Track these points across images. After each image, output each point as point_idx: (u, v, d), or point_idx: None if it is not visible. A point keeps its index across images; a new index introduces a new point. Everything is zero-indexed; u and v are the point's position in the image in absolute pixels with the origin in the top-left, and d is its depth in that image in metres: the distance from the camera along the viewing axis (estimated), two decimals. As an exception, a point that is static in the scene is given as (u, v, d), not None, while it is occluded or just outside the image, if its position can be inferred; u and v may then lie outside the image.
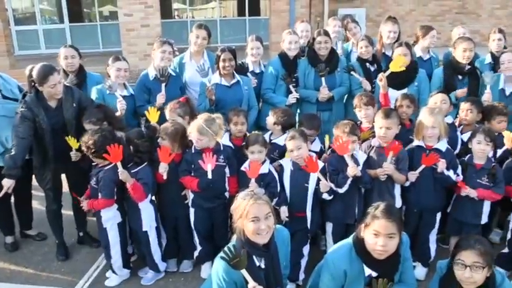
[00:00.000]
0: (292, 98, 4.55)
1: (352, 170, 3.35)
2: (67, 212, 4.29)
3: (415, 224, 3.70)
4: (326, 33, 4.65)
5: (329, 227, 3.64)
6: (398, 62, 4.27)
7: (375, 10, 13.29)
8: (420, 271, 3.73)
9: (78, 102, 3.86)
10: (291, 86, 4.57)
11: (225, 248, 2.44)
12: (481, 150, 3.48)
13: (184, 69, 4.79)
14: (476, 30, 12.94)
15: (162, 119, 3.99)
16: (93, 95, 4.26)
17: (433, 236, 3.74)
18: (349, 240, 2.65)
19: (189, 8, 15.94)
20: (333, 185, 3.41)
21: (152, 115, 3.97)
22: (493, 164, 3.56)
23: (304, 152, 3.43)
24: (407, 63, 4.31)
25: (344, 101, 4.93)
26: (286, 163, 3.57)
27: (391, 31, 4.91)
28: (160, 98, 4.24)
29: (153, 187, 3.59)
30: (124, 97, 4.21)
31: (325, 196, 3.42)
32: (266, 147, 3.58)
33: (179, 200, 3.72)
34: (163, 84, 4.32)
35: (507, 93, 4.44)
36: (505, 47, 4.88)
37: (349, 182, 3.39)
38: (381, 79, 4.27)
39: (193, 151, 3.61)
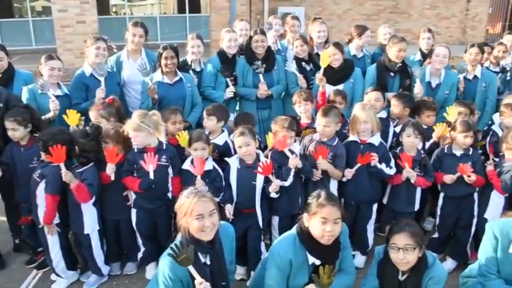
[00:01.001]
0: (229, 92, 4.59)
1: (294, 162, 3.45)
2: (0, 218, 4.08)
3: (353, 215, 3.87)
4: (262, 32, 4.74)
5: (275, 220, 3.72)
6: (325, 58, 4.45)
7: (313, 9, 13.64)
8: (359, 259, 3.92)
9: (5, 102, 3.68)
10: (228, 80, 4.60)
11: (172, 245, 2.44)
12: (410, 142, 3.70)
13: (121, 68, 4.68)
14: (408, 29, 13.66)
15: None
16: (24, 94, 4.06)
17: (370, 226, 3.93)
18: (292, 231, 2.74)
19: (128, 4, 15.57)
20: (280, 182, 3.47)
21: (72, 118, 3.80)
22: (422, 156, 3.79)
23: (252, 149, 3.47)
24: (330, 59, 4.48)
25: (281, 98, 5.04)
26: (233, 161, 3.59)
27: (320, 31, 5.08)
28: (100, 93, 4.13)
29: (97, 188, 3.49)
30: (57, 97, 4.05)
31: (273, 195, 3.48)
32: (209, 144, 3.61)
33: (121, 202, 3.64)
34: (102, 79, 4.20)
35: (433, 85, 4.74)
36: (432, 45, 5.20)
37: (292, 173, 3.47)
38: (321, 79, 4.39)
39: (135, 150, 3.55)
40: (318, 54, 5.03)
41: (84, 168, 3.44)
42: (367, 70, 4.89)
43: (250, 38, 4.73)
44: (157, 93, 4.22)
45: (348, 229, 3.69)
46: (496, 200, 3.76)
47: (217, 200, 3.21)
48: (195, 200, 2.45)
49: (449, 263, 3.93)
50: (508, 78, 5.38)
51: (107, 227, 3.72)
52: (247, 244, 3.62)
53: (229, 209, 3.48)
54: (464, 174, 3.63)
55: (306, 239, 2.63)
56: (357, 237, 3.92)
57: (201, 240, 2.48)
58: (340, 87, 4.57)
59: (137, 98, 4.51)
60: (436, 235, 4.07)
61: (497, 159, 3.86)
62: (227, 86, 4.66)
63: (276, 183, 3.41)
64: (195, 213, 2.43)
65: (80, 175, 3.39)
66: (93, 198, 3.47)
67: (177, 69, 4.39)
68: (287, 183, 3.50)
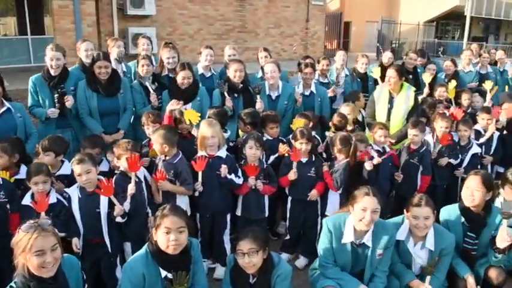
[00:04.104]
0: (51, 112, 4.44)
1: (131, 188, 3.43)
2: None
3: (210, 228, 4.02)
4: (106, 57, 4.61)
5: (127, 246, 3.63)
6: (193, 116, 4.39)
7: (165, 29, 13.70)
8: (220, 271, 4.02)
9: None
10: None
11: (12, 283, 2.30)
12: (252, 154, 3.97)
13: None
14: (256, 47, 14.39)
15: None
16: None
17: (226, 237, 4.08)
18: (144, 247, 2.78)
19: (-45, 26, 13.78)
20: (122, 207, 3.39)
21: None
22: (265, 166, 4.11)
23: (93, 176, 3.37)
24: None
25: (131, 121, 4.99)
26: (73, 191, 3.43)
27: (169, 57, 5.19)
28: None
29: None
30: None
31: (119, 219, 3.40)
32: (51, 177, 3.41)
33: None
34: None
35: (273, 97, 5.18)
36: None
37: (128, 200, 3.43)
38: (178, 103, 4.30)
39: None
40: (168, 76, 5.13)
41: None
42: (214, 92, 5.04)
43: (93, 61, 4.59)
44: None
45: (206, 242, 3.86)
46: (333, 198, 4.24)
47: (63, 235, 3.07)
48: (35, 235, 2.31)
49: (302, 260, 4.28)
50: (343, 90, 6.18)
51: None
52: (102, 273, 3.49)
53: (76, 243, 3.33)
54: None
55: (156, 253, 2.70)
56: (216, 249, 4.07)
57: (41, 277, 2.35)
58: (189, 106, 4.69)
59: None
60: (287, 237, 4.41)
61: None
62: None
63: (118, 207, 3.34)
64: (34, 248, 2.30)
65: None
66: None
67: (3, 99, 4.08)
68: (126, 209, 3.42)
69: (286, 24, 16.76)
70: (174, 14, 13.99)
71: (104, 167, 3.93)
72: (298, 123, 4.52)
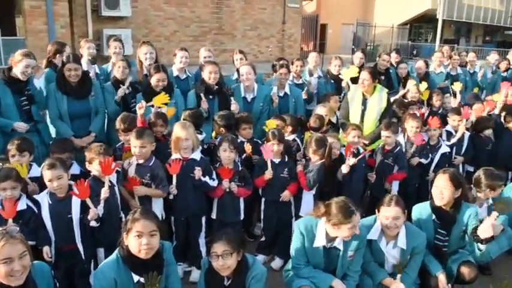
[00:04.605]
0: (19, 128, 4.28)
1: (104, 192, 3.37)
2: None
3: (185, 231, 4.00)
4: (75, 60, 4.50)
5: (100, 252, 3.56)
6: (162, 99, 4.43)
7: (141, 31, 13.55)
8: (195, 274, 4.00)
9: None
10: None
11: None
12: (226, 156, 3.95)
13: None
14: (233, 49, 14.41)
15: None
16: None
17: (202, 240, 4.05)
18: (115, 252, 2.75)
19: None
20: (97, 210, 3.31)
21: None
22: (240, 168, 4.10)
23: (65, 181, 3.29)
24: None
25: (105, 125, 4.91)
26: (42, 197, 3.34)
27: (147, 52, 5.19)
28: None
29: None
30: None
31: (93, 224, 3.32)
32: (20, 182, 3.32)
33: None
34: None
35: (249, 100, 5.19)
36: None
37: (102, 204, 3.36)
38: (141, 107, 4.21)
39: None
40: (146, 76, 5.07)
41: None
42: (188, 94, 5.00)
43: (63, 63, 4.48)
44: None
45: (181, 245, 3.83)
46: (307, 197, 4.29)
47: (33, 243, 3.00)
48: (2, 243, 2.26)
49: (277, 262, 4.30)
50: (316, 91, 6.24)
51: None
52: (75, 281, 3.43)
53: (47, 251, 3.24)
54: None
55: (127, 257, 2.67)
56: (191, 252, 4.05)
57: (9, 286, 2.29)
58: (164, 110, 4.64)
59: None
60: (263, 238, 4.43)
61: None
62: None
63: (94, 211, 3.25)
64: (2, 256, 2.24)
65: None
66: None
67: None
68: (100, 214, 3.33)
69: (263, 27, 16.81)
70: (150, 15, 13.86)
71: (75, 170, 3.86)
72: (271, 124, 4.54)
